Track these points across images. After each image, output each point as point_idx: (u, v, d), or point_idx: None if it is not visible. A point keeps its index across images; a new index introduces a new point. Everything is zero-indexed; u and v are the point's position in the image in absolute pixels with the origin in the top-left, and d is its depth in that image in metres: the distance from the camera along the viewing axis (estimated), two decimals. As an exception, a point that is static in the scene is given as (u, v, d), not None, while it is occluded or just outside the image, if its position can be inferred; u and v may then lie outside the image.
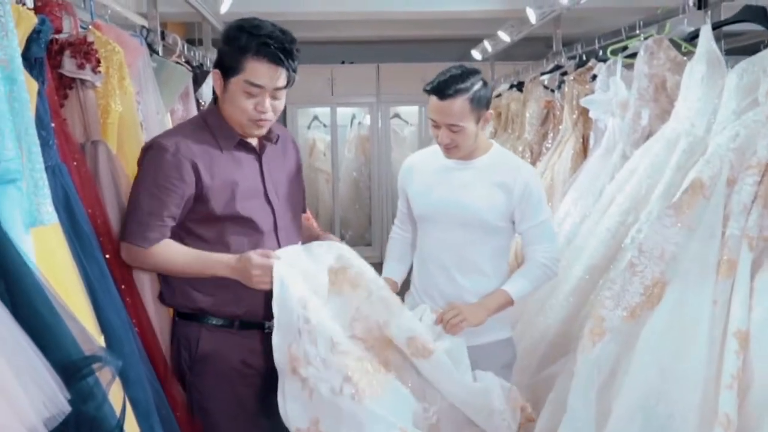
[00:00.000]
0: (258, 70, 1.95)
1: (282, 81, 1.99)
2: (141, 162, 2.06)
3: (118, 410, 1.37)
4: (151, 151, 2.03)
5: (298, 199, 2.27)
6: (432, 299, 2.37)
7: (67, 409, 1.11)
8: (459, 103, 2.23)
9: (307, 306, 1.97)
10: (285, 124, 7.64)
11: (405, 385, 2.08)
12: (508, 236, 2.41)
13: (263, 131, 2.08)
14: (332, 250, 2.16)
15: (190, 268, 2.04)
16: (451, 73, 2.26)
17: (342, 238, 7.71)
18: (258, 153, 2.13)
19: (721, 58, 2.52)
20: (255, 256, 1.98)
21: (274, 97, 2.02)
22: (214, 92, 2.13)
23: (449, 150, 2.34)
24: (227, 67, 1.99)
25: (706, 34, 2.56)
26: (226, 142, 2.07)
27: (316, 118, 8.27)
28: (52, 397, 1.10)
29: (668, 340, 1.98)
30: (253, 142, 2.13)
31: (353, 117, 8.32)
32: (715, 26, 2.61)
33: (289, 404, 1.94)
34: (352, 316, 2.10)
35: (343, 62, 7.84)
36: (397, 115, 8.20)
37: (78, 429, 1.17)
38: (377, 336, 2.10)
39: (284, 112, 7.58)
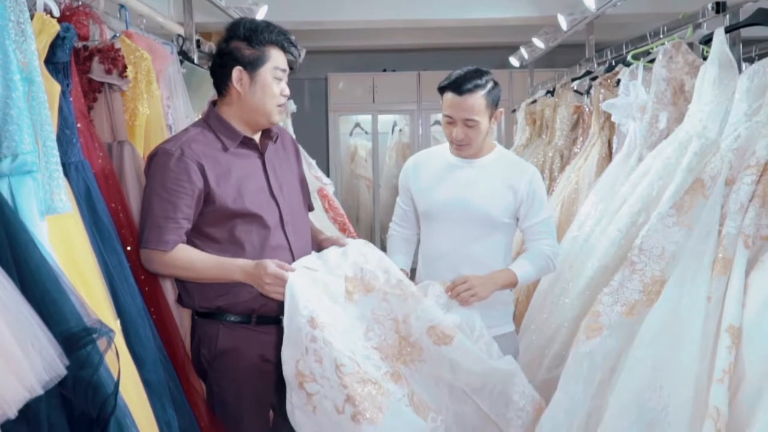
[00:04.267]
0: (279, 57, 2.15)
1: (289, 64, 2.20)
2: (147, 170, 2.11)
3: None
4: (157, 158, 2.07)
5: (301, 194, 2.34)
6: None
7: (64, 372, 1.23)
8: (477, 98, 2.33)
9: (315, 323, 1.99)
10: (327, 131, 7.78)
11: (410, 402, 2.09)
12: (512, 232, 2.48)
13: (284, 116, 2.21)
14: (347, 256, 2.20)
15: (209, 272, 2.08)
16: (468, 70, 2.38)
17: (382, 243, 7.84)
18: (260, 151, 2.20)
19: (733, 60, 2.52)
20: (271, 265, 2.02)
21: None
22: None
23: (461, 147, 2.40)
24: (251, 61, 2.11)
25: (719, 37, 2.57)
26: (230, 141, 2.14)
27: (357, 125, 8.39)
28: (51, 362, 1.22)
29: (663, 336, 2.01)
30: (256, 139, 2.20)
31: (394, 124, 8.42)
32: (728, 29, 2.62)
33: (297, 413, 2.02)
34: (367, 326, 2.14)
35: (384, 70, 7.95)
36: (437, 123, 8.24)
37: (75, 393, 1.30)
38: (391, 344, 2.15)
39: (326, 118, 7.75)
